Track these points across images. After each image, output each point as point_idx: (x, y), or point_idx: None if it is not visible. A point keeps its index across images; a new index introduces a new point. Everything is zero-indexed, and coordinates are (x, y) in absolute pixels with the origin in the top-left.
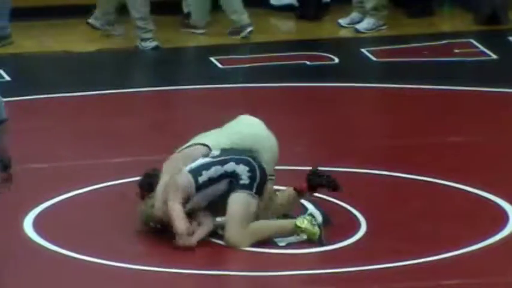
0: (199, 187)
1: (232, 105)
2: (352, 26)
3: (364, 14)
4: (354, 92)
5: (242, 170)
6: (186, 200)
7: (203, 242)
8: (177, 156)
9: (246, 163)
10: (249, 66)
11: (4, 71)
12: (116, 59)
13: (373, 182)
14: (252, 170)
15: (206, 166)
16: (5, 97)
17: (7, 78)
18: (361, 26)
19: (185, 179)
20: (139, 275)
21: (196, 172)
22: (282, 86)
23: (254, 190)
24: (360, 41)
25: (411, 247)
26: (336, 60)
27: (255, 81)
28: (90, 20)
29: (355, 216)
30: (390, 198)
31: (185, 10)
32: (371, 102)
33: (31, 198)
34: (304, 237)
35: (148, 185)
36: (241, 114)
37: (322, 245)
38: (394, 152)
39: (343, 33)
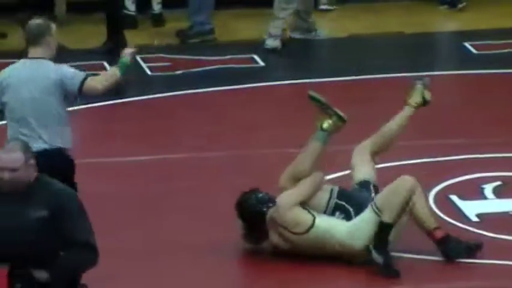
0: None
1: (484, 92)
2: None
3: None
4: None
5: None
6: None
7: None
8: None
9: None
10: (505, 52)
11: (258, 56)
12: (364, 44)
13: None
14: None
15: None
16: (258, 82)
17: (261, 63)
18: None
19: None
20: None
21: None
22: None
23: None
24: None
25: None
26: None
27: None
28: None
29: None
30: None
31: None
32: None
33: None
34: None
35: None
36: None
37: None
38: None
39: None
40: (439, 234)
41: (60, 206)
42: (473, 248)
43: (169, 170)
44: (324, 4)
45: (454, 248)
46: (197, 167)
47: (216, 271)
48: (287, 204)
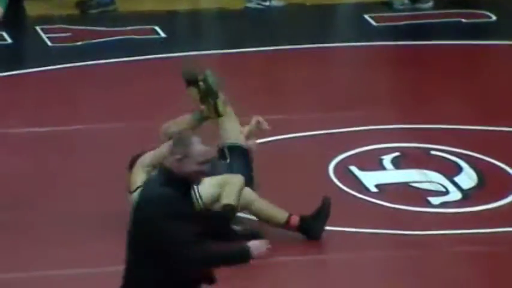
0: None
1: (383, 64)
2: None
3: None
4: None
5: None
6: None
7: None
8: None
9: None
10: (403, 24)
11: (160, 27)
12: (264, 16)
13: None
14: None
15: None
16: (159, 53)
17: (162, 35)
18: None
19: None
20: None
21: None
22: (436, 44)
23: None
24: None
25: None
26: (493, 17)
27: (410, 39)
28: None
29: (510, 175)
30: None
31: None
32: None
33: None
34: None
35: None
36: None
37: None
38: None
39: None
40: (293, 221)
41: None
42: (326, 205)
43: (68, 141)
44: None
45: (313, 227)
46: (95, 138)
47: (106, 246)
48: (137, 164)
